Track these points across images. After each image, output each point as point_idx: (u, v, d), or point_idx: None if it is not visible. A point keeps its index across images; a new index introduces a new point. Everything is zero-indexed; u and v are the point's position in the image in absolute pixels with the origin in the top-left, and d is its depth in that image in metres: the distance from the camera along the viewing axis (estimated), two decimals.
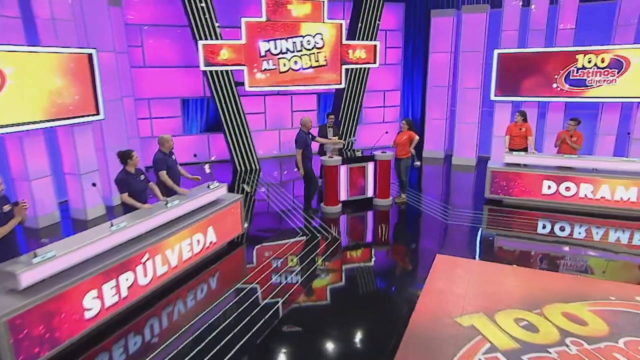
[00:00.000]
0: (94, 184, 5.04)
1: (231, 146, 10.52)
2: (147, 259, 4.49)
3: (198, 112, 11.29)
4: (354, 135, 11.26)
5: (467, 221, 6.97)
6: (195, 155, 10.23)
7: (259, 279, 5.13)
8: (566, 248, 6.06)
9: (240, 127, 10.45)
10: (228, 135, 10.42)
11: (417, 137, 7.58)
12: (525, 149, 7.92)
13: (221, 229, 5.68)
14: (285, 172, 10.65)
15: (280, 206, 7.86)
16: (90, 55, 7.04)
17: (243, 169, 10.68)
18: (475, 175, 10.24)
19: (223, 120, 10.28)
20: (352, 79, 11.34)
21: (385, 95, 13.02)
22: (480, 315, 4.35)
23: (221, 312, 4.45)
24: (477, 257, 5.80)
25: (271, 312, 4.46)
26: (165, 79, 10.65)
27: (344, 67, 10.79)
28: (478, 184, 9.40)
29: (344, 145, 9.36)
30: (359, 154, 7.85)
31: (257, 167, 10.78)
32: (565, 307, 4.46)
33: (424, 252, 6.04)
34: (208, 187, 5.67)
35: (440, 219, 7.10)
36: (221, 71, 9.91)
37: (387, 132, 8.52)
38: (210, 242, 5.48)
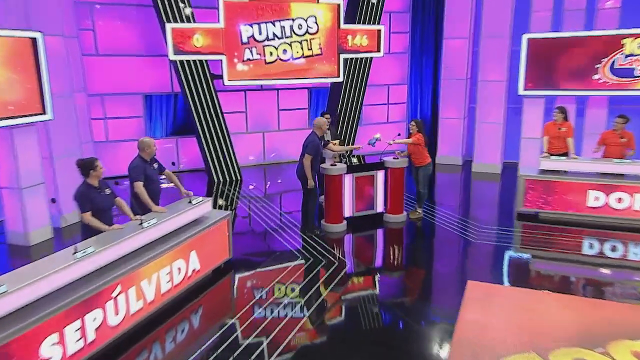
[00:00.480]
0: (53, 200, 4.89)
1: (207, 152, 10.41)
2: (119, 293, 4.36)
3: (164, 112, 11.16)
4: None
5: (498, 240, 7.00)
6: (173, 164, 10.15)
7: (254, 316, 5.03)
8: (619, 272, 6.07)
9: (218, 130, 10.36)
10: (203, 139, 10.31)
11: (413, 140, 7.58)
12: (565, 154, 7.98)
13: (206, 254, 5.60)
14: (268, 183, 10.63)
15: (271, 224, 7.82)
16: (34, 39, 6.87)
17: (221, 180, 10.58)
18: (501, 185, 10.33)
19: (197, 121, 10.17)
20: (351, 71, 11.36)
21: (389, 90, 13.09)
22: (533, 356, 4.30)
23: (211, 359, 4.33)
24: (513, 283, 5.79)
25: (274, 355, 4.35)
26: (123, 71, 10.52)
27: (342, 56, 10.79)
28: (506, 195, 9.49)
29: (347, 152, 9.33)
30: (354, 160, 7.82)
31: (239, 178, 10.69)
32: (636, 346, 4.43)
33: (451, 278, 6.04)
34: (190, 202, 5.60)
35: (465, 237, 7.13)
36: (194, 61, 9.83)
37: (399, 135, 8.52)
38: (193, 270, 5.40)
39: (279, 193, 9.95)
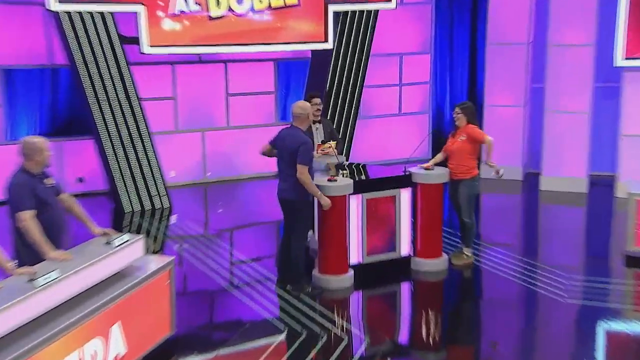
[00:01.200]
0: None
1: (112, 165, 10.28)
2: None
3: (36, 97, 11.18)
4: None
5: (597, 299, 7.08)
6: (80, 180, 10.11)
7: None
8: None
9: (131, 127, 10.29)
10: (107, 143, 10.22)
11: (488, 138, 7.75)
12: None
13: (136, 329, 5.55)
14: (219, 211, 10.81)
15: (229, 278, 7.89)
16: None
17: (137, 208, 10.51)
18: (588, 211, 10.53)
19: (95, 114, 10.06)
20: (345, 32, 11.47)
21: (402, 63, 13.22)
22: None
23: None
24: None
25: None
26: None
27: (331, 8, 10.84)
28: (601, 227, 9.71)
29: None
30: (345, 173, 7.77)
31: (167, 205, 10.69)
32: None
33: None
34: (108, 243, 5.50)
35: (544, 295, 7.18)
36: (91, 14, 9.75)
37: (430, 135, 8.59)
38: (116, 357, 5.30)
39: (232, 229, 9.99)
